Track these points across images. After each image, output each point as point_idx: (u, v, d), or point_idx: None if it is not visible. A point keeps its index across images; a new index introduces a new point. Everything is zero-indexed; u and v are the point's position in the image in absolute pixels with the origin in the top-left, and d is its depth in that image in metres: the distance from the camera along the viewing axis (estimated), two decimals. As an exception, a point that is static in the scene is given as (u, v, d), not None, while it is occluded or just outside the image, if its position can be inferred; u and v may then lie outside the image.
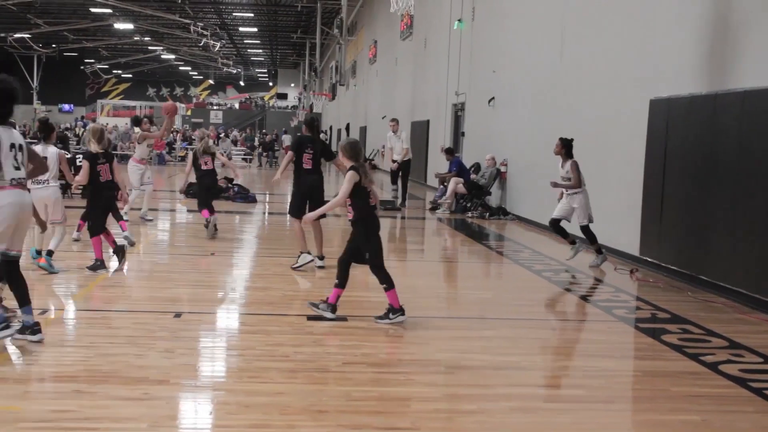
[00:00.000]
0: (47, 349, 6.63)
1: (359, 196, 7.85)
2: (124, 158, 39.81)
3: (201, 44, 52.10)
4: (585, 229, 12.08)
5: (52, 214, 9.92)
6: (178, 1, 41.07)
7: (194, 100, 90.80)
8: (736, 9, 10.31)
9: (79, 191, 15.94)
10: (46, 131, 10.43)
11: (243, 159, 42.88)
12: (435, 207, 20.05)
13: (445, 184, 20.17)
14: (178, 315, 7.95)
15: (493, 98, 20.02)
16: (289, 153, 11.16)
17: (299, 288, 10.04)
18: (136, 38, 62.89)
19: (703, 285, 10.30)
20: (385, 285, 7.95)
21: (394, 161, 20.55)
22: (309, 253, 10.92)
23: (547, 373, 6.60)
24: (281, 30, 66.29)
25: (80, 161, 20.39)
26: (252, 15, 59.46)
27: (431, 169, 25.64)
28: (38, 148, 9.21)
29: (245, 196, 20.94)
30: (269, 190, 24.91)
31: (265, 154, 41.51)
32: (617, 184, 13.23)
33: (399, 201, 20.41)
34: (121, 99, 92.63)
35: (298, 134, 11.38)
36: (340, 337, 7.47)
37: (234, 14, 59.09)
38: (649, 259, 11.86)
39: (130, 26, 56.07)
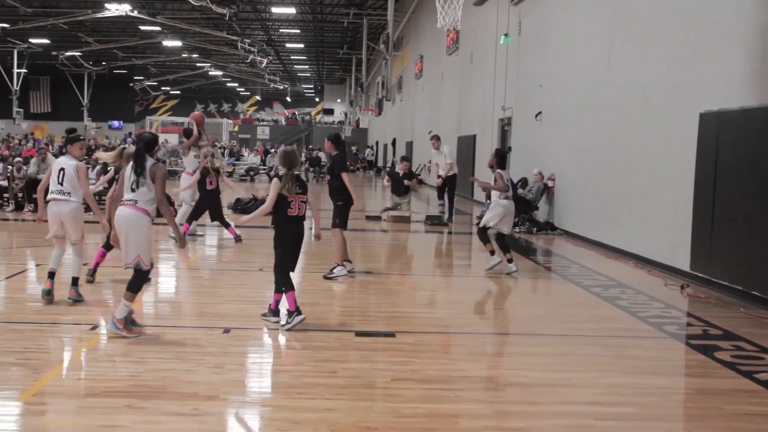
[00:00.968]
0: (98, 364, 6.71)
1: (279, 203, 8.29)
2: (173, 174, 40.32)
3: (248, 60, 52.68)
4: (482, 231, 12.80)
5: (72, 233, 9.13)
6: (226, 18, 41.46)
7: (241, 116, 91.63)
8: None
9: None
10: (68, 142, 9.42)
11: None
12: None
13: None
14: (227, 330, 8.01)
15: (540, 113, 19.94)
16: (348, 174, 11.39)
17: (346, 303, 10.05)
18: (184, 55, 63.71)
19: (755, 301, 10.15)
20: (283, 288, 8.32)
21: (439, 177, 20.51)
22: (344, 266, 11.03)
23: (598, 390, 6.53)
24: (327, 46, 66.68)
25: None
26: (298, 31, 59.91)
27: (478, 185, 25.62)
28: (60, 160, 9.16)
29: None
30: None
31: (311, 169, 41.67)
32: (667, 198, 13.10)
33: (446, 216, 20.36)
34: (169, 115, 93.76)
35: (335, 153, 11.49)
36: (387, 353, 7.46)
37: (281, 31, 59.59)
38: (700, 275, 11.72)
39: (178, 43, 56.87)
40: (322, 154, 41.32)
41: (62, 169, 8.95)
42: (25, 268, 12.29)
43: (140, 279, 7.81)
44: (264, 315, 8.59)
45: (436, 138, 20.85)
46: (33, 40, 57.62)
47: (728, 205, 11.01)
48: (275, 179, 8.42)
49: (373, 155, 62.69)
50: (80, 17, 46.87)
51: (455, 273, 13.44)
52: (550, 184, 18.99)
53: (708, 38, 12.00)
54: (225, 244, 15.67)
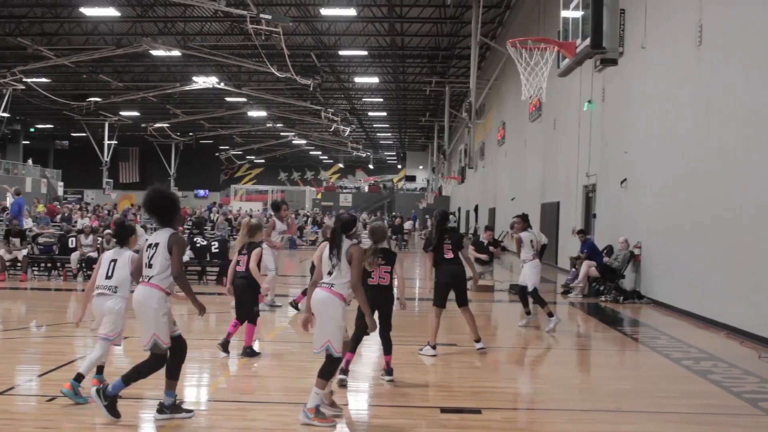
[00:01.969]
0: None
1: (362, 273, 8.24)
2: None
3: (331, 129, 53.48)
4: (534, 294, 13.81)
5: (102, 326, 8.39)
6: (310, 88, 42.34)
7: (324, 184, 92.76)
8: None
9: None
10: (121, 235, 8.75)
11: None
12: (567, 291, 19.78)
13: (577, 267, 19.91)
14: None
15: (625, 179, 19.79)
16: (429, 254, 11.43)
17: (431, 379, 9.97)
18: (268, 125, 65.05)
19: None
20: (349, 350, 8.75)
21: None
22: (434, 347, 11.02)
23: (691, 471, 6.36)
24: (410, 113, 67.45)
25: (215, 248, 21.12)
26: (381, 100, 60.82)
27: (562, 252, 25.39)
28: (109, 253, 8.62)
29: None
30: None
31: (394, 237, 41.84)
32: (758, 265, 12.80)
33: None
34: (253, 183, 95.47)
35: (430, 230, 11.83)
36: (474, 431, 7.39)
37: (363, 99, 60.54)
38: (797, 347, 11.39)
39: (263, 114, 58.17)
40: (408, 224, 41.52)
41: (112, 260, 8.43)
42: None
43: (332, 365, 7.58)
44: (381, 375, 9.37)
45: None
46: (123, 113, 59.55)
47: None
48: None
49: (455, 222, 62.77)
50: (168, 90, 48.41)
51: (541, 345, 13.28)
52: (636, 251, 18.73)
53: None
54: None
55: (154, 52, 38.70)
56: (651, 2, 18.09)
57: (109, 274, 8.39)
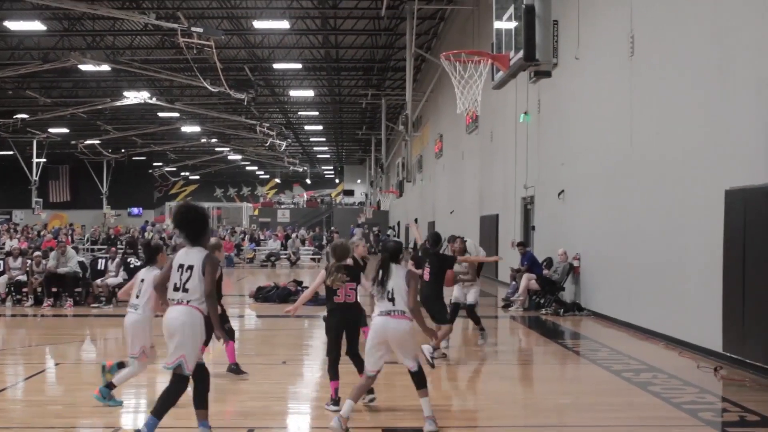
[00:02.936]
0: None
1: (327, 290, 8.96)
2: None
3: (267, 144, 53.23)
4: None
5: (130, 346, 8.89)
6: (245, 102, 42.15)
7: (261, 200, 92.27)
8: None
9: None
10: (148, 254, 9.22)
11: (312, 259, 43.24)
12: (508, 304, 19.89)
13: (517, 280, 20.05)
14: (250, 431, 7.95)
15: (563, 191, 19.99)
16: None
17: (377, 399, 9.89)
18: (203, 140, 64.57)
19: (793, 383, 10.00)
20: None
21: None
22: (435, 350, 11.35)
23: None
24: (346, 126, 67.51)
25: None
26: (317, 113, 60.77)
27: (502, 265, 25.55)
28: (141, 272, 9.07)
29: (315, 299, 20.88)
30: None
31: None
32: (694, 276, 13.03)
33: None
34: (189, 200, 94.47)
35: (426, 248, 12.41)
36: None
37: (299, 113, 60.41)
38: (734, 356, 11.57)
39: (197, 129, 57.68)
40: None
41: (141, 280, 8.89)
42: (44, 367, 12.28)
43: (423, 373, 8.21)
44: (327, 404, 8.95)
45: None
46: (52, 130, 58.61)
47: (759, 283, 10.90)
48: (323, 270, 9.04)
49: (394, 236, 62.84)
50: (99, 106, 47.75)
51: (482, 359, 13.30)
52: (575, 263, 18.92)
53: (734, 111, 12.04)
54: (246, 336, 15.65)
55: (83, 67, 38.16)
56: (584, 13, 18.33)
57: (138, 293, 8.89)
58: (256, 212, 79.50)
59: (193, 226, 7.46)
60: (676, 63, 13.94)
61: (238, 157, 76.09)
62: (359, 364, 8.96)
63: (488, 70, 13.14)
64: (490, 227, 28.18)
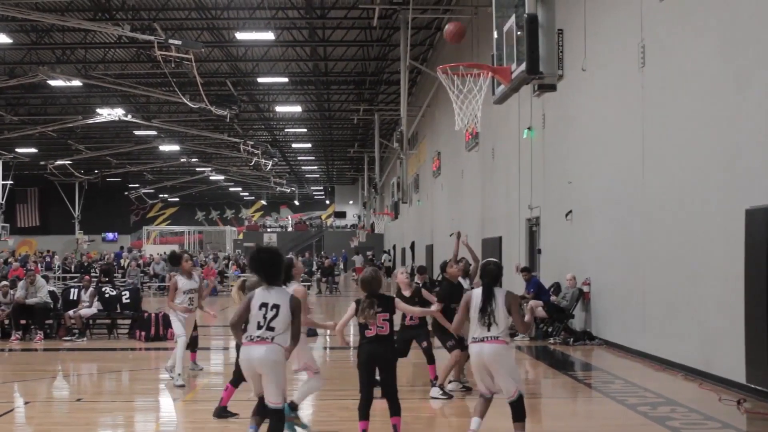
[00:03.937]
0: None
1: (359, 325, 9.01)
2: (163, 289, 40.33)
3: (252, 163, 53.28)
4: None
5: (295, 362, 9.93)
6: (227, 119, 42.22)
7: (246, 223, 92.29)
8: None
9: None
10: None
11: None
12: (513, 333, 19.84)
13: (523, 307, 20.00)
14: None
15: (570, 212, 20.00)
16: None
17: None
18: (182, 160, 64.60)
19: (821, 417, 9.98)
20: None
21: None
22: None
23: None
24: (337, 144, 67.65)
25: (126, 298, 20.83)
26: (305, 130, 60.92)
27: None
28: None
29: (306, 331, 20.91)
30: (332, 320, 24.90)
31: (324, 279, 41.73)
32: (714, 301, 13.02)
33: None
34: (168, 224, 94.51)
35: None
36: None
37: (286, 130, 60.49)
38: (758, 387, 11.55)
39: (176, 148, 57.71)
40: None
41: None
42: (12, 406, 12.20)
43: (521, 404, 8.65)
44: None
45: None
46: (19, 150, 58.60)
47: (784, 310, 10.90)
48: (353, 303, 9.00)
49: (390, 261, 62.77)
50: (70, 124, 47.76)
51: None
52: (585, 289, 18.90)
53: (752, 125, 12.08)
54: (232, 370, 15.56)
55: (53, 82, 38.22)
56: (590, 21, 18.39)
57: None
58: (241, 236, 79.54)
59: (269, 268, 8.21)
60: (690, 74, 13.99)
61: (221, 177, 76.13)
62: (394, 406, 8.87)
63: (488, 83, 13.15)
64: (493, 251, 28.13)
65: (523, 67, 11.75)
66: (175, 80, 34.04)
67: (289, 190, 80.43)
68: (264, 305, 8.03)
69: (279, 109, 52.07)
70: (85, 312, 20.12)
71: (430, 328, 12.83)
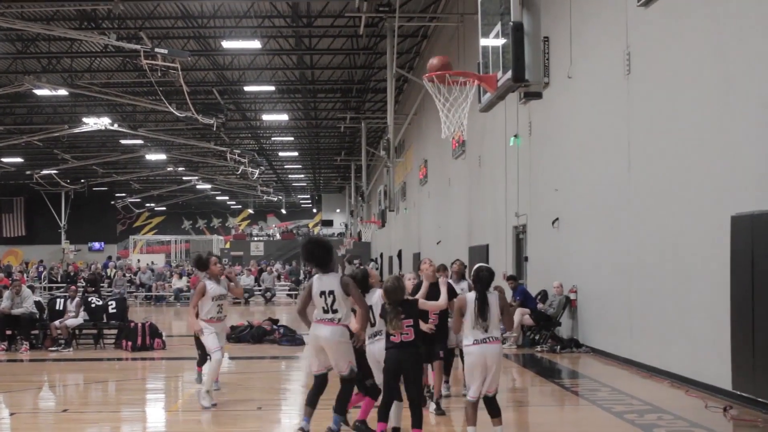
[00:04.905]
0: None
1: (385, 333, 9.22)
2: (160, 299, 40.36)
3: (238, 172, 53.21)
4: None
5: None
6: (213, 128, 42.18)
7: (233, 232, 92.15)
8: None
9: None
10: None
11: (288, 295, 43.11)
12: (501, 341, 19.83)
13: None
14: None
15: (557, 219, 20.03)
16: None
17: None
18: (169, 169, 64.43)
19: (808, 423, 10.01)
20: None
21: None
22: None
23: None
24: (324, 152, 67.60)
25: (113, 308, 20.77)
26: (292, 138, 60.88)
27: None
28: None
29: (292, 339, 20.96)
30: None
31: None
32: (700, 308, 13.06)
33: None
34: (155, 234, 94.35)
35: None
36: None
37: (273, 138, 60.46)
38: (744, 394, 11.58)
39: (162, 157, 57.61)
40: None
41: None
42: (-3, 417, 12.17)
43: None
44: None
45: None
46: (5, 159, 58.40)
47: (770, 316, 10.93)
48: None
49: (377, 269, 62.75)
50: (56, 133, 47.60)
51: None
52: (572, 296, 18.92)
53: (739, 132, 12.13)
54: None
55: (38, 92, 38.12)
56: (576, 29, 18.45)
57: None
58: (228, 245, 79.39)
59: (321, 256, 9.47)
60: (676, 81, 14.05)
61: (208, 186, 75.99)
62: (416, 417, 8.89)
63: (474, 91, 13.16)
64: (480, 259, 28.13)
65: (509, 75, 11.76)
66: (162, 89, 33.98)
67: (276, 199, 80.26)
68: (323, 293, 9.30)
69: (266, 117, 52.03)
70: (71, 322, 20.05)
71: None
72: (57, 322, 20.08)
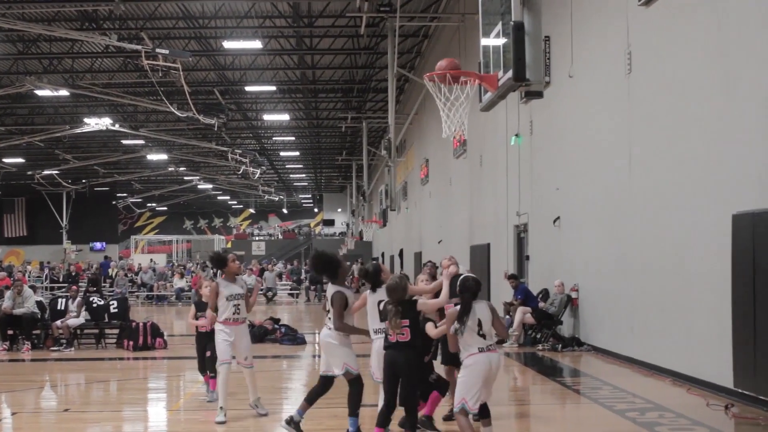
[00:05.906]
0: None
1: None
2: (161, 299, 40.36)
3: (240, 172, 53.21)
4: None
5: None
6: (215, 128, 42.19)
7: (234, 231, 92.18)
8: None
9: None
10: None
11: (289, 294, 43.07)
12: (501, 340, 19.84)
13: (511, 314, 20.02)
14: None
15: (558, 218, 20.03)
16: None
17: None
18: (170, 169, 64.48)
19: (809, 421, 10.00)
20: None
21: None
22: None
23: None
24: (325, 152, 67.65)
25: (114, 308, 20.78)
26: (293, 138, 60.87)
27: (494, 298, 25.52)
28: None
29: (293, 338, 20.95)
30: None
31: (313, 287, 41.61)
32: (702, 306, 13.04)
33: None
34: (156, 234, 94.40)
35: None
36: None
37: (274, 138, 60.46)
38: (746, 392, 11.57)
39: (163, 157, 57.62)
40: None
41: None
42: (-1, 416, 12.17)
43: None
44: None
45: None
46: (7, 160, 58.43)
47: (771, 314, 10.92)
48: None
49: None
50: (57, 134, 47.64)
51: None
52: (573, 295, 18.92)
53: (739, 132, 12.12)
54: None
55: (40, 92, 38.18)
56: (577, 28, 18.44)
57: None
58: (229, 245, 79.42)
59: (329, 271, 9.91)
60: (677, 80, 14.04)
61: (209, 186, 76.05)
62: (409, 420, 8.69)
63: (475, 91, 13.14)
64: (481, 258, 28.13)
65: (509, 74, 11.74)
66: (163, 89, 34.01)
67: (277, 199, 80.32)
68: (327, 299, 9.87)
69: (267, 117, 52.07)
70: (72, 322, 20.05)
71: None
72: (58, 322, 20.09)
